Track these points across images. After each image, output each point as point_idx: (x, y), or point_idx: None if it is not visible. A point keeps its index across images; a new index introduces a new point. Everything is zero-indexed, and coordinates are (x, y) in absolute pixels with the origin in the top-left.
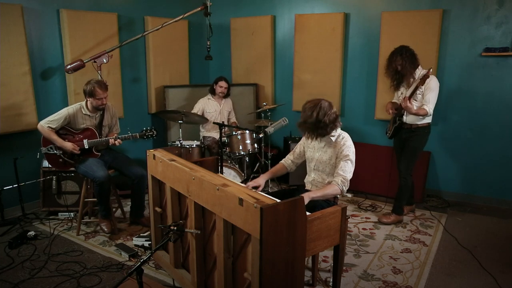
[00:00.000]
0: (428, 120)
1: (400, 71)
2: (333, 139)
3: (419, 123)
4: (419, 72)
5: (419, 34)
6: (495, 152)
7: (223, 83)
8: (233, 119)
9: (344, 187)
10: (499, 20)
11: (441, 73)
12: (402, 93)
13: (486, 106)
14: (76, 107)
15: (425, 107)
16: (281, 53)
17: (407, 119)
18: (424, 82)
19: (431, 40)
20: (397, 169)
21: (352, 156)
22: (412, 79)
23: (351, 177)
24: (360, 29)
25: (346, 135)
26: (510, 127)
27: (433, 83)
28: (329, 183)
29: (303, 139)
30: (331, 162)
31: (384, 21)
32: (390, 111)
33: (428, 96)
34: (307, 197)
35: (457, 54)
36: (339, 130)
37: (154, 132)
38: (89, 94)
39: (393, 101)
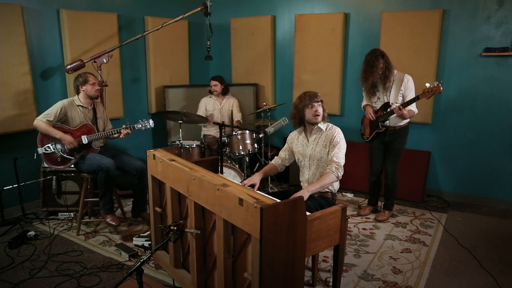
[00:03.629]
0: (408, 119)
1: (382, 74)
2: (323, 128)
3: (402, 124)
4: (394, 73)
5: (419, 34)
6: (495, 151)
7: (212, 82)
8: (237, 118)
9: (339, 173)
10: (499, 20)
11: (441, 73)
12: (379, 98)
13: (486, 106)
14: (69, 99)
15: (411, 108)
16: (281, 53)
17: (391, 122)
18: (401, 84)
19: (431, 40)
20: (370, 168)
21: (343, 142)
22: (389, 83)
23: (344, 162)
24: (360, 29)
25: (333, 125)
26: (510, 127)
27: (411, 82)
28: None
29: (287, 143)
30: (326, 151)
31: (384, 21)
32: (374, 116)
33: (411, 96)
34: (306, 192)
35: (457, 54)
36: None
37: (151, 121)
38: (83, 82)
39: (366, 103)
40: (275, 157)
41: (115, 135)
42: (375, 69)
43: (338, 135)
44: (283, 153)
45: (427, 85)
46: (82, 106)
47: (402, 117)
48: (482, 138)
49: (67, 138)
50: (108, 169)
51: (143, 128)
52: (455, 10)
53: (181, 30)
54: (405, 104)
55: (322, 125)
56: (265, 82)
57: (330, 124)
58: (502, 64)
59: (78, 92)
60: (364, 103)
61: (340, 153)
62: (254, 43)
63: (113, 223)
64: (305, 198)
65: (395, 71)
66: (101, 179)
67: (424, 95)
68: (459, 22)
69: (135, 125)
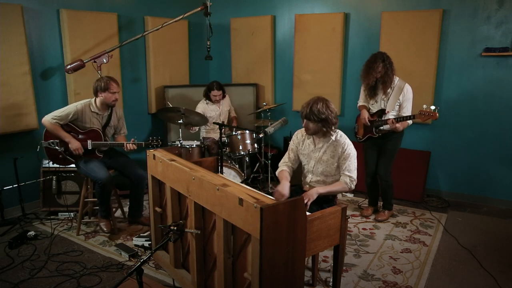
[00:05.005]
0: None
1: (380, 78)
2: (333, 137)
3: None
4: (395, 81)
5: (419, 34)
6: (495, 152)
7: (215, 92)
8: (233, 114)
9: (352, 186)
10: (499, 20)
11: (441, 73)
12: (376, 102)
13: (486, 106)
14: (85, 103)
15: (406, 120)
16: (281, 53)
17: (385, 126)
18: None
19: (431, 40)
20: (365, 169)
21: (354, 153)
22: (390, 89)
23: (356, 174)
24: (360, 29)
25: (342, 133)
26: (510, 127)
27: (410, 93)
28: (336, 180)
29: (293, 144)
30: (333, 162)
31: (384, 21)
32: (367, 121)
33: (408, 107)
34: (315, 193)
35: (457, 54)
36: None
37: (160, 142)
38: (103, 88)
39: (362, 104)
40: (282, 162)
41: (121, 147)
42: (372, 71)
43: (349, 146)
44: (290, 155)
45: (424, 106)
46: (97, 113)
47: (395, 129)
48: (482, 138)
49: (75, 143)
50: (103, 185)
51: (150, 147)
52: (455, 10)
53: (181, 30)
54: (400, 119)
55: (332, 134)
56: (265, 82)
57: (339, 132)
58: (502, 64)
59: (96, 96)
60: (360, 103)
61: (352, 166)
62: (254, 43)
63: (104, 229)
64: (314, 198)
65: (397, 78)
66: (97, 191)
67: (420, 116)
68: (459, 22)
69: (143, 142)
